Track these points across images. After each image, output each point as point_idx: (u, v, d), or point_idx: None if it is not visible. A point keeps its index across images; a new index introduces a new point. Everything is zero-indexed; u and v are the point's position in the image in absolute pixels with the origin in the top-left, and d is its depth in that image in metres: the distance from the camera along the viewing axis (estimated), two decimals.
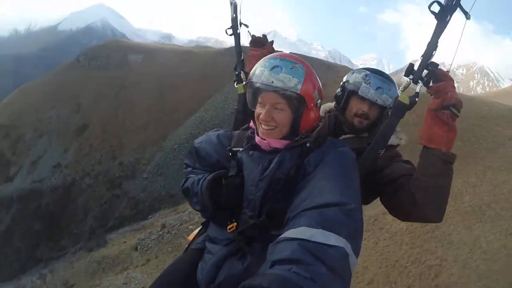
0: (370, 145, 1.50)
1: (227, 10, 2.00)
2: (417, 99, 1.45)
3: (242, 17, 2.01)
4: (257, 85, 1.28)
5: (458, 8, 1.39)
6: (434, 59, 1.43)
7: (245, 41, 2.14)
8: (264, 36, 2.11)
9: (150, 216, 21.11)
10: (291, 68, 1.26)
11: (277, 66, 1.26)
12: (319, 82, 1.37)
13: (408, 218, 1.51)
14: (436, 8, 1.39)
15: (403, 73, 1.52)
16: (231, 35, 2.01)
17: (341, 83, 1.83)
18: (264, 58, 1.34)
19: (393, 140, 1.64)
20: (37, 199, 30.97)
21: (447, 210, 1.45)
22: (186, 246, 1.65)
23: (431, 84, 1.44)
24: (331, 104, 1.91)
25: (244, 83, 1.92)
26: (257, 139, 1.36)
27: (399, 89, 1.53)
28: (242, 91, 1.90)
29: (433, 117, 1.42)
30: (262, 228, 1.25)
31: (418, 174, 1.43)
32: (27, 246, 27.27)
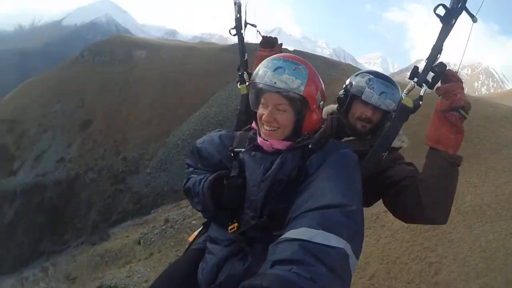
0: (373, 147, 1.49)
1: (231, 7, 1.98)
2: (421, 102, 1.43)
3: (247, 14, 1.97)
4: (260, 85, 1.27)
5: (463, 11, 1.37)
6: (439, 60, 1.42)
7: (249, 38, 2.11)
8: (275, 37, 2.10)
9: (153, 211, 21.21)
10: (294, 69, 1.25)
11: (280, 67, 1.25)
12: (322, 84, 1.36)
13: (413, 220, 1.50)
14: (441, 11, 1.37)
15: (408, 72, 1.50)
16: (234, 35, 1.99)
17: (344, 85, 1.82)
18: (267, 58, 1.33)
19: (395, 143, 1.62)
20: (41, 193, 31.17)
21: None
22: (186, 247, 1.65)
23: (439, 84, 1.43)
24: (334, 106, 1.89)
25: (247, 83, 1.88)
26: (259, 140, 1.35)
27: (403, 92, 1.53)
28: (245, 91, 1.88)
29: (441, 118, 1.40)
30: (264, 228, 1.24)
31: (424, 176, 1.41)
32: (30, 239, 27.45)
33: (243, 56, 1.99)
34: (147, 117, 33.78)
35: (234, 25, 1.98)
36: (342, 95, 1.78)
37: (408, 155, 1.77)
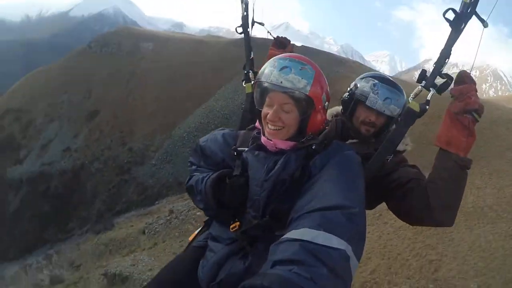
0: (378, 150, 1.49)
1: (239, 2, 1.98)
2: (427, 107, 1.42)
3: (254, 12, 1.97)
4: (266, 84, 1.27)
5: (474, 16, 1.35)
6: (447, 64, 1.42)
7: (256, 33, 2.12)
8: (287, 38, 2.11)
9: (157, 202, 21.30)
10: (300, 69, 1.25)
11: (286, 67, 1.25)
12: (327, 85, 1.36)
13: (420, 222, 1.51)
14: (450, 15, 1.35)
15: (416, 72, 1.51)
16: (241, 33, 1.98)
17: (349, 88, 1.81)
18: (273, 58, 1.33)
19: (399, 146, 1.60)
20: (46, 182, 31.43)
21: None
22: (186, 245, 1.65)
23: (452, 85, 1.41)
24: (338, 108, 1.89)
25: (252, 82, 1.88)
26: (263, 139, 1.35)
27: (410, 95, 1.51)
28: (250, 90, 1.88)
29: (453, 120, 1.38)
30: (265, 228, 1.24)
31: (433, 177, 1.40)
32: (34, 227, 27.70)
33: (249, 54, 1.98)
34: (154, 109, 33.82)
35: (241, 23, 1.98)
36: (347, 98, 1.78)
37: (414, 155, 1.78)
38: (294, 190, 1.20)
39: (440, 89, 1.43)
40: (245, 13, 1.95)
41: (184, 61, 38.44)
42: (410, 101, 1.47)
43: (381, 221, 6.54)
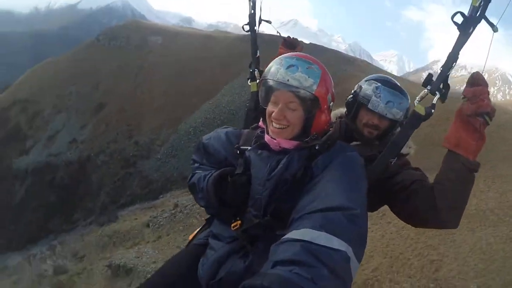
0: (382, 153, 1.48)
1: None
2: (433, 110, 1.41)
3: (261, 11, 1.93)
4: (272, 82, 1.26)
5: (483, 19, 1.32)
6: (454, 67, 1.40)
7: (264, 29, 2.10)
8: (297, 40, 2.10)
9: (161, 196, 21.43)
10: (307, 68, 1.25)
11: (293, 65, 1.24)
12: (333, 85, 1.35)
13: (425, 223, 1.49)
14: (459, 18, 1.33)
15: (424, 73, 1.52)
16: (248, 31, 1.96)
17: (353, 90, 1.80)
18: (280, 56, 1.32)
19: (403, 149, 1.58)
20: (52, 172, 31.70)
21: None
22: (187, 244, 1.65)
23: (464, 86, 1.39)
24: (342, 110, 1.87)
25: (257, 81, 1.86)
26: (266, 137, 1.34)
27: (416, 99, 1.47)
28: (255, 89, 1.85)
29: (464, 122, 1.36)
30: (267, 227, 1.24)
31: (441, 178, 1.39)
32: (39, 218, 27.97)
33: (255, 53, 1.96)
34: (161, 103, 33.96)
35: (248, 21, 1.95)
36: (351, 100, 1.78)
37: (420, 157, 1.80)
38: (295, 190, 1.20)
39: (444, 94, 1.42)
40: (252, 11, 1.93)
41: (193, 56, 38.50)
42: (416, 104, 1.45)
43: (384, 221, 6.61)
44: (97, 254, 12.82)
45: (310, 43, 41.18)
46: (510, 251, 4.92)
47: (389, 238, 6.01)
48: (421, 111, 1.41)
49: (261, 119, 1.44)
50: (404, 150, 1.62)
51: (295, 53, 1.38)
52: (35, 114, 38.18)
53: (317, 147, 1.26)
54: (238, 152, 1.39)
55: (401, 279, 4.88)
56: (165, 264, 1.50)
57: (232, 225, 1.31)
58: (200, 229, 1.66)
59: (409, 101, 1.67)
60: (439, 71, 1.43)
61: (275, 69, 1.27)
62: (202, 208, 1.54)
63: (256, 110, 1.75)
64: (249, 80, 1.91)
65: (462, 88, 1.44)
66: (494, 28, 1.33)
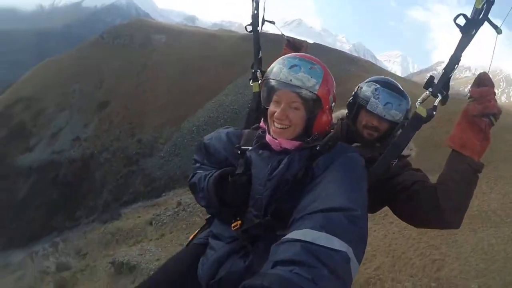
0: (383, 154, 1.47)
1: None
2: (434, 112, 1.39)
3: (265, 11, 1.93)
4: (274, 82, 1.26)
5: (486, 22, 1.31)
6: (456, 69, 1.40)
7: (269, 28, 2.11)
8: (302, 41, 2.09)
9: (164, 194, 21.44)
10: (310, 68, 1.24)
11: (296, 65, 1.24)
12: (334, 85, 1.35)
13: (427, 224, 1.48)
14: (461, 21, 1.32)
15: (428, 74, 1.47)
16: (250, 31, 1.94)
17: (354, 91, 1.80)
18: (283, 56, 1.32)
19: (404, 151, 1.57)
20: (56, 170, 31.82)
21: None
22: (186, 243, 1.64)
23: (470, 87, 1.39)
24: (344, 112, 1.86)
25: (259, 81, 1.84)
26: (267, 137, 1.33)
27: (417, 101, 1.46)
28: (257, 89, 1.83)
29: (470, 122, 1.35)
30: (267, 227, 1.23)
31: (444, 179, 1.38)
32: (42, 215, 28.08)
33: (257, 53, 1.94)
34: (164, 101, 34.03)
35: (251, 21, 1.94)
36: (351, 101, 1.77)
37: (421, 158, 1.79)
38: (296, 191, 1.19)
39: (446, 96, 1.41)
40: (255, 12, 1.92)
41: (197, 55, 38.55)
42: (417, 106, 1.43)
43: (386, 221, 6.64)
44: (100, 251, 12.89)
45: (314, 42, 41.21)
46: (511, 251, 4.95)
47: (392, 237, 6.04)
48: (423, 113, 1.40)
49: (262, 119, 1.43)
50: (405, 152, 1.61)
51: (298, 53, 1.38)
52: (38, 112, 38.34)
53: (318, 148, 1.26)
54: (238, 152, 1.39)
55: (403, 278, 4.91)
56: (167, 262, 1.50)
57: (233, 225, 1.31)
58: (200, 229, 1.67)
59: (410, 102, 1.68)
60: (441, 73, 1.42)
61: (277, 69, 1.27)
62: None
63: (258, 111, 1.75)
64: (251, 81, 1.90)
65: (467, 89, 1.47)
66: (498, 30, 1.32)
